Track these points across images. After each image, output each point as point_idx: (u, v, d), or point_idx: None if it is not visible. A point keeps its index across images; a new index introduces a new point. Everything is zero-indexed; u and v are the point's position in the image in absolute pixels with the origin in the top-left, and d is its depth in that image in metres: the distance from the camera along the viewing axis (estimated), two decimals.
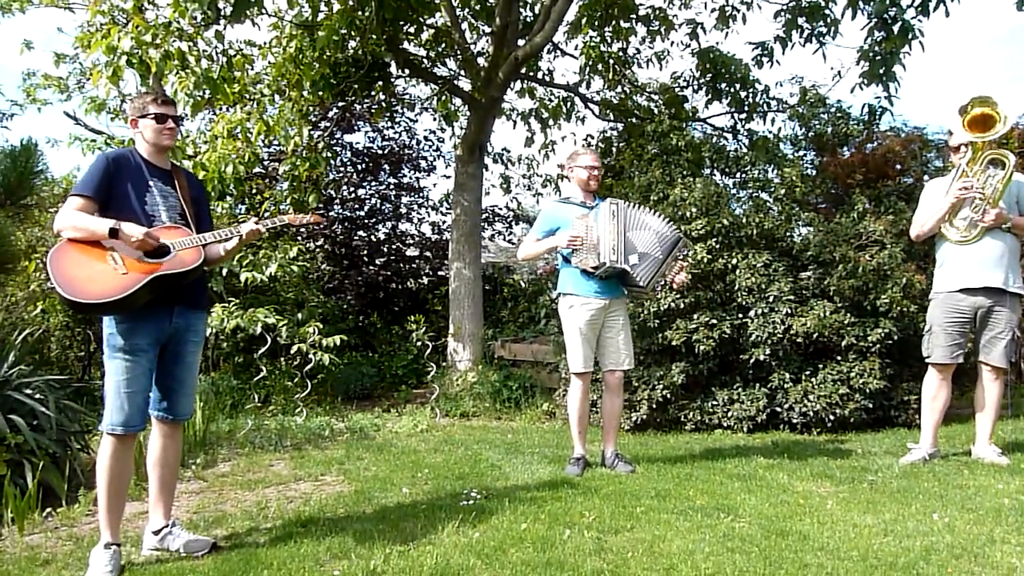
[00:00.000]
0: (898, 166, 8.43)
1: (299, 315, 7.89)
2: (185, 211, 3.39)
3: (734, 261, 6.47)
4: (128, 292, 3.01)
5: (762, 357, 6.13)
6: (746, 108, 10.12)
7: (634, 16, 9.72)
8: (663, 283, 4.73)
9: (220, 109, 8.72)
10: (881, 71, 7.74)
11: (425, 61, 9.80)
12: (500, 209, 12.93)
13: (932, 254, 5.00)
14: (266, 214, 8.50)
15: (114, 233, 3.06)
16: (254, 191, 9.53)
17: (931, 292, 4.82)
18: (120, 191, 3.23)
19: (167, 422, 3.40)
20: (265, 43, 8.67)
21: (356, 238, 11.70)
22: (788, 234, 7.02)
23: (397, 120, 12.17)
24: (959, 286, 4.57)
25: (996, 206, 4.49)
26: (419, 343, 8.04)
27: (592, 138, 11.30)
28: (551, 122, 11.03)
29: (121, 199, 3.22)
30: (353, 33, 8.11)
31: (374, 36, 8.18)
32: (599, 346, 4.81)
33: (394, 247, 11.93)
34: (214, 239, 3.37)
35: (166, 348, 3.30)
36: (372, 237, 11.92)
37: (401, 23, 8.72)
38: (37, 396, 4.36)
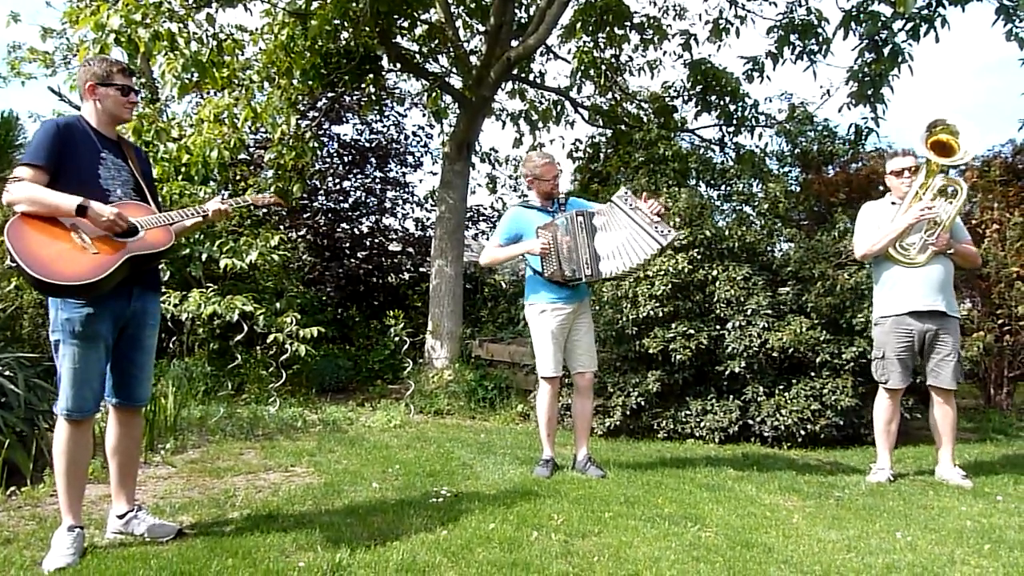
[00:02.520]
0: (881, 187, 8.51)
1: (277, 304, 7.85)
2: (141, 185, 3.22)
3: (714, 273, 6.51)
4: (105, 274, 2.85)
5: (737, 369, 6.17)
6: (734, 121, 10.20)
7: (628, 24, 9.77)
8: (659, 223, 4.35)
9: (208, 93, 8.66)
10: (870, 92, 7.85)
11: (417, 56, 9.78)
12: (485, 209, 12.95)
13: None
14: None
15: (83, 211, 2.86)
16: (238, 177, 9.48)
17: (875, 315, 4.85)
18: (71, 162, 3.00)
19: (125, 408, 3.26)
20: (257, 29, 8.63)
21: (339, 230, 11.66)
22: (769, 249, 7.08)
23: (386, 114, 12.17)
24: (908, 309, 4.61)
25: (947, 231, 4.58)
26: (397, 338, 8.03)
27: (580, 143, 11.35)
28: (540, 124, 11.06)
29: (72, 171, 2.99)
30: (346, 24, 8.09)
31: (367, 28, 8.16)
32: (567, 350, 4.81)
33: (377, 241, 11.90)
34: (180, 218, 3.21)
35: (124, 333, 3.14)
36: (355, 230, 11.88)
37: (395, 17, 8.71)
38: (7, 373, 4.32)
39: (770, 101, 10.93)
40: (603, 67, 10.30)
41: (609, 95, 11.05)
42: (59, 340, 3.00)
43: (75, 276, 2.82)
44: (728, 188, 8.75)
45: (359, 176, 12.09)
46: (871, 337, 6.07)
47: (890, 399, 4.78)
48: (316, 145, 9.21)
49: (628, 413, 6.34)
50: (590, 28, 9.73)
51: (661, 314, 6.35)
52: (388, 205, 12.25)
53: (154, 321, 3.29)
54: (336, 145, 11.90)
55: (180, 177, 7.64)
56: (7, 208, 2.95)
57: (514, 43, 8.90)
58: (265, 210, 9.43)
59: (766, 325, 6.21)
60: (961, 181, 4.62)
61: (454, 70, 10.08)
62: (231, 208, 3.41)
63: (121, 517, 3.28)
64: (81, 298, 2.95)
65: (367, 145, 12.02)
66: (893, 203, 4.75)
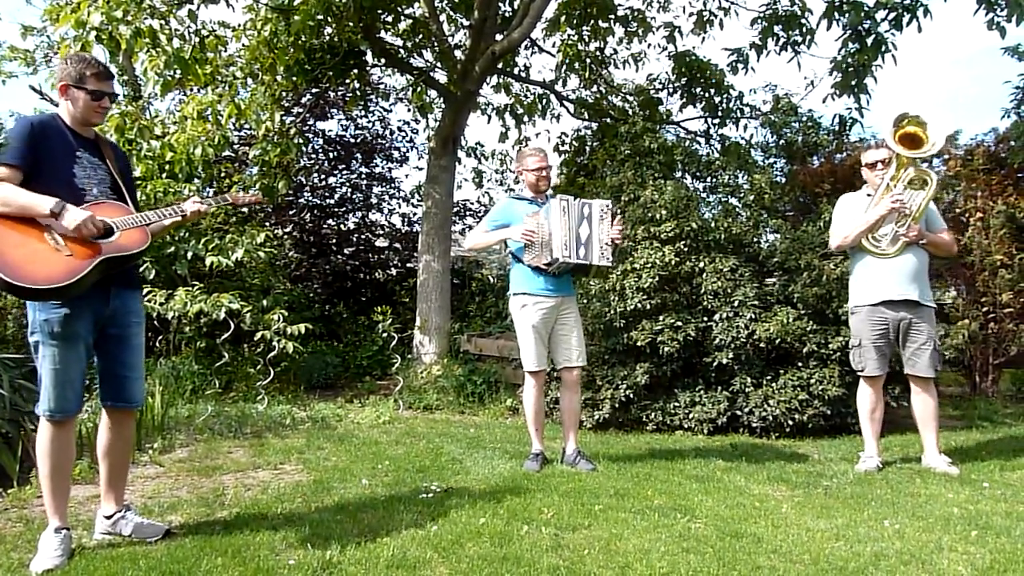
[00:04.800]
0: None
1: (264, 302, 7.81)
2: (118, 184, 3.17)
3: (701, 265, 6.52)
4: (78, 277, 2.80)
5: (725, 361, 6.19)
6: (719, 113, 10.21)
7: (612, 16, 9.77)
8: (608, 247, 4.65)
9: (191, 90, 8.60)
10: (853, 82, 7.88)
11: (401, 51, 9.75)
12: (471, 203, 12.93)
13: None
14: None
15: (55, 214, 2.82)
16: (223, 174, 9.42)
17: (851, 305, 4.92)
18: (46, 161, 2.96)
19: (120, 410, 3.24)
20: (239, 25, 8.58)
21: (325, 226, 11.62)
22: (755, 240, 7.09)
23: (371, 109, 12.13)
24: (881, 298, 4.68)
25: (918, 222, 4.65)
26: (385, 334, 8.00)
27: (566, 136, 11.34)
28: (526, 118, 11.05)
29: (47, 170, 2.95)
30: (329, 19, 8.05)
31: (350, 23, 8.12)
32: (553, 344, 4.83)
33: (363, 237, 11.87)
34: (157, 218, 3.17)
35: (108, 333, 3.12)
36: (341, 226, 11.85)
37: (378, 11, 8.66)
38: None
39: (755, 92, 10.96)
40: (588, 60, 10.29)
41: (594, 88, 11.04)
42: (38, 341, 2.96)
43: (47, 279, 2.76)
44: (714, 180, 8.75)
45: (345, 172, 12.04)
46: None
47: (871, 387, 4.84)
48: (301, 141, 9.18)
49: (617, 406, 6.35)
50: (574, 21, 9.72)
51: (648, 307, 6.36)
52: (374, 201, 12.22)
53: (138, 319, 3.26)
54: (321, 141, 11.85)
55: (164, 175, 7.58)
56: None
57: (498, 37, 8.87)
58: (249, 207, 9.38)
59: (753, 316, 6.23)
60: (931, 172, 4.71)
61: (439, 64, 10.04)
62: (210, 208, 3.39)
63: (109, 518, 3.27)
64: (55, 300, 2.90)
65: (352, 141, 11.98)
66: (868, 195, 4.84)
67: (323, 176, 11.86)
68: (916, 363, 4.68)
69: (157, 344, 8.01)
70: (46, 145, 2.98)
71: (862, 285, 4.80)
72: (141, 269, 7.12)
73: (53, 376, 2.95)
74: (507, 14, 9.62)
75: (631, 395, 6.33)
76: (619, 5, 9.81)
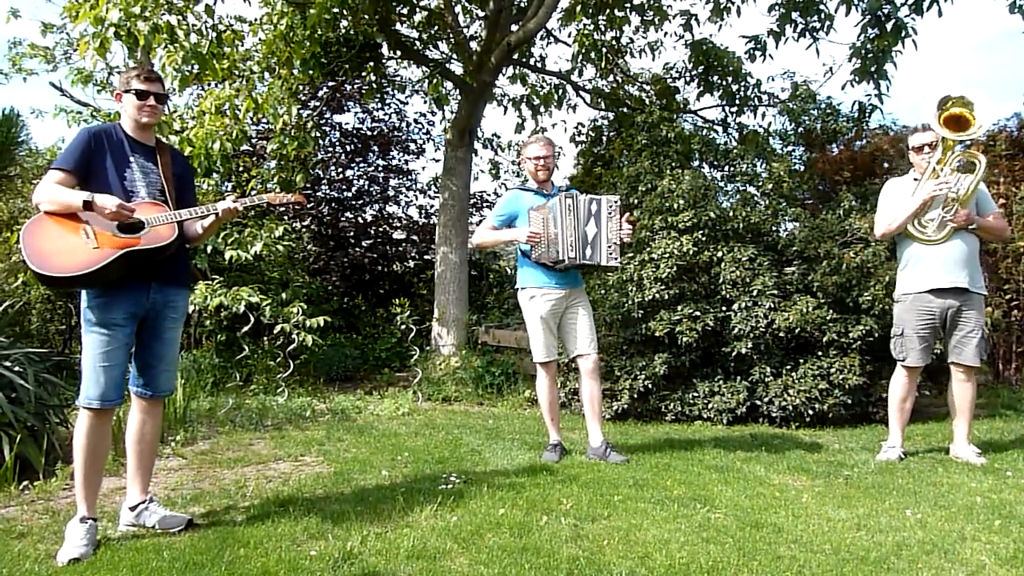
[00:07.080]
0: (886, 164, 8.49)
1: (283, 295, 7.86)
2: (165, 188, 3.35)
3: (719, 254, 6.49)
4: (97, 267, 3.00)
5: (744, 350, 6.16)
6: (737, 102, 10.14)
7: (628, 5, 9.70)
8: (616, 247, 4.59)
9: (208, 85, 8.64)
10: (873, 68, 7.80)
11: (417, 43, 9.73)
12: (488, 195, 12.91)
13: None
14: (252, 192, 8.45)
15: (88, 205, 3.04)
16: (241, 169, 9.48)
17: (897, 293, 4.80)
18: (100, 166, 3.21)
19: (146, 398, 3.37)
20: (256, 19, 8.60)
21: (343, 219, 11.66)
22: (774, 229, 7.04)
23: (387, 102, 12.11)
24: (929, 286, 4.56)
25: (966, 207, 4.52)
26: (403, 326, 8.04)
27: (583, 127, 11.30)
28: (542, 109, 11.01)
29: (100, 174, 3.20)
30: (345, 12, 8.05)
31: (366, 16, 8.12)
32: (564, 335, 4.81)
33: (381, 229, 11.89)
34: (190, 216, 3.33)
35: (145, 323, 3.27)
36: (359, 219, 11.88)
37: (394, 3, 8.66)
38: (16, 369, 4.33)
39: (772, 80, 10.89)
40: (604, 50, 10.23)
41: (610, 78, 10.99)
42: (84, 330, 3.16)
43: (68, 268, 2.98)
44: (732, 169, 8.70)
45: (362, 165, 12.07)
46: (877, 315, 6.08)
47: (907, 377, 4.75)
48: (318, 135, 9.20)
49: (636, 396, 6.35)
50: (590, 10, 9.66)
51: (667, 297, 6.34)
52: (391, 193, 12.24)
53: (175, 314, 3.40)
54: (338, 134, 11.87)
55: None
56: (34, 207, 3.16)
57: (514, 27, 8.85)
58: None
59: (772, 305, 6.19)
60: (979, 155, 4.54)
61: (454, 56, 10.02)
62: (242, 207, 3.47)
63: (133, 509, 3.34)
64: (81, 289, 3.15)
65: (369, 133, 12.00)
66: (915, 179, 4.70)
67: (340, 169, 11.89)
68: (962, 351, 4.57)
69: None
70: (100, 152, 3.23)
71: (909, 273, 4.68)
72: None
73: (92, 362, 3.11)
74: (522, 4, 9.58)
75: (650, 385, 6.32)
76: None
